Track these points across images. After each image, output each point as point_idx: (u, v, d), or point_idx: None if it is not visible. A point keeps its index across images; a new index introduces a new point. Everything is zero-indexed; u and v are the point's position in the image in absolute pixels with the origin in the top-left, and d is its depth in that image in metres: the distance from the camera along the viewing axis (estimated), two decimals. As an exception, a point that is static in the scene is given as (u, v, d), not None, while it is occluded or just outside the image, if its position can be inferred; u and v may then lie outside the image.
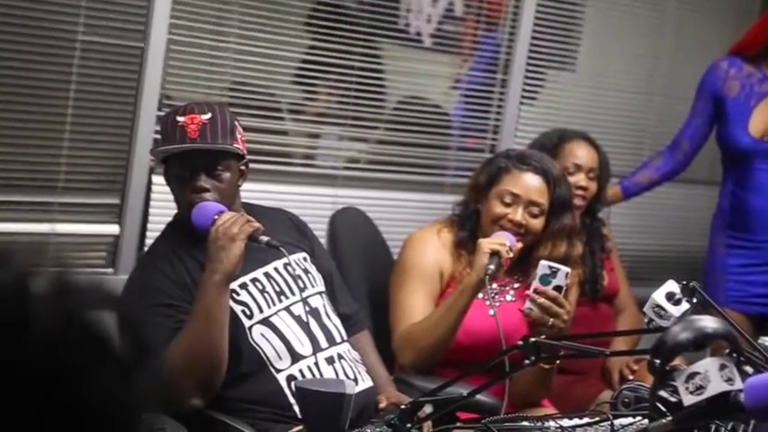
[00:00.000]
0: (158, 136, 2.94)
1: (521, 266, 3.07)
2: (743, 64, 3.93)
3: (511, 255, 2.90)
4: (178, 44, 3.45)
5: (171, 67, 3.45)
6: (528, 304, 2.84)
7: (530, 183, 3.09)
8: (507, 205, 3.08)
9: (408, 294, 3.09)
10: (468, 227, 3.15)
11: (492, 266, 2.85)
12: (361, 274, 3.29)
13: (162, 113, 3.24)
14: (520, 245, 2.98)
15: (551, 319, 2.81)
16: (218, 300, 2.49)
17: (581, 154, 3.61)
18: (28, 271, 0.92)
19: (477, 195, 3.16)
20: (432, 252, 3.14)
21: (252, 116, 3.60)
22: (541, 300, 2.81)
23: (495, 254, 2.87)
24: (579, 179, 3.55)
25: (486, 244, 2.90)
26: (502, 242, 2.91)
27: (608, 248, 3.75)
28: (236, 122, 2.71)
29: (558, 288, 2.82)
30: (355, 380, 2.65)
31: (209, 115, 2.64)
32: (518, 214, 3.06)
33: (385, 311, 3.14)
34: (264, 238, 2.55)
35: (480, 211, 3.14)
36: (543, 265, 2.84)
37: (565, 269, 2.82)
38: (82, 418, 0.89)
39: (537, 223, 3.08)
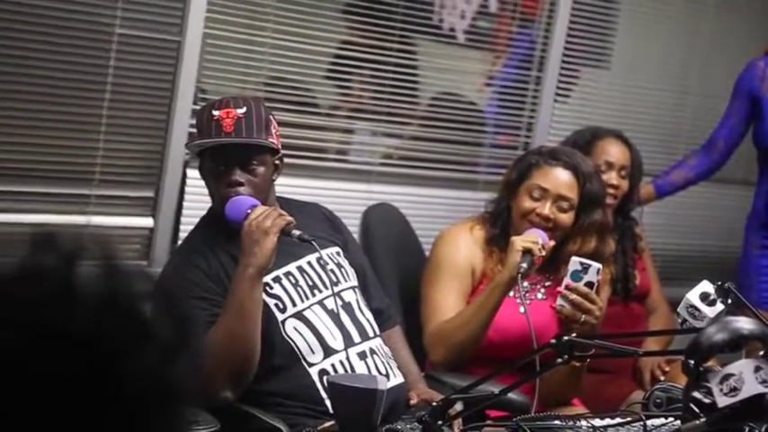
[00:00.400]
0: (194, 130, 2.95)
1: (551, 264, 3.06)
2: (780, 64, 3.90)
3: (543, 253, 2.90)
4: (214, 38, 3.47)
5: (207, 61, 3.47)
6: (560, 301, 2.83)
7: (559, 177, 3.09)
8: (536, 200, 3.08)
9: (440, 291, 3.09)
10: (499, 224, 3.15)
11: (524, 265, 2.85)
12: (393, 270, 3.29)
13: (197, 107, 3.26)
14: (552, 243, 2.97)
15: (583, 316, 2.80)
16: (251, 293, 2.50)
17: (613, 152, 3.60)
18: (75, 253, 0.94)
19: (508, 192, 3.16)
20: (464, 249, 3.14)
21: (287, 111, 3.61)
22: (573, 296, 2.80)
23: (527, 252, 2.87)
24: (611, 177, 3.54)
25: (519, 242, 2.90)
26: (534, 240, 2.90)
27: (640, 248, 3.73)
28: (271, 117, 2.72)
29: (589, 284, 2.81)
30: (387, 375, 2.65)
31: (244, 109, 2.65)
32: (546, 208, 3.05)
33: (416, 307, 3.15)
34: (297, 232, 2.56)
35: (512, 208, 3.14)
36: (574, 262, 2.83)
37: (596, 265, 2.81)
38: (121, 398, 0.91)
39: (566, 218, 3.07)
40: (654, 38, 4.59)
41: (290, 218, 2.55)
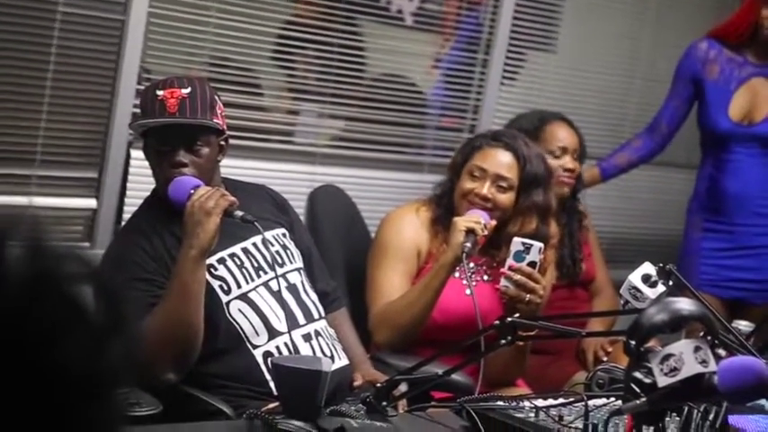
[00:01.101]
0: (137, 110, 2.92)
1: (494, 246, 3.08)
2: (722, 47, 3.94)
3: (486, 232, 2.92)
4: (159, 17, 3.44)
5: (151, 41, 3.43)
6: (504, 282, 2.85)
7: (498, 158, 3.11)
8: (476, 180, 3.10)
9: (385, 272, 3.10)
10: (444, 204, 3.17)
11: (468, 244, 2.87)
12: (338, 252, 3.29)
13: (141, 87, 3.23)
14: (494, 222, 2.99)
15: (528, 295, 2.82)
16: (193, 274, 2.48)
17: (563, 136, 3.62)
18: (5, 234, 0.92)
19: (453, 174, 3.19)
20: (409, 230, 3.15)
21: (232, 92, 3.59)
22: (517, 276, 2.83)
23: (470, 232, 2.89)
24: (566, 161, 3.55)
25: (461, 222, 2.92)
26: (477, 220, 2.93)
27: (585, 226, 3.74)
28: (216, 97, 2.69)
29: (532, 264, 2.83)
30: (332, 357, 2.65)
31: (188, 90, 2.62)
32: (485, 188, 3.08)
33: (362, 289, 3.15)
34: (239, 213, 2.54)
35: (455, 189, 3.16)
36: (516, 242, 2.85)
37: (538, 244, 2.84)
38: (53, 381, 0.89)
39: (505, 198, 3.09)
40: (600, 22, 4.61)
41: (232, 198, 2.53)
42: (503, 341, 2.12)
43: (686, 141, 4.28)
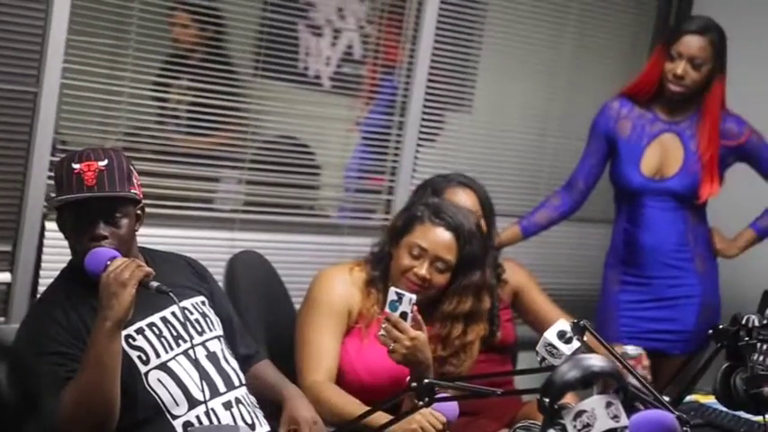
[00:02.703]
0: (52, 182, 2.90)
1: (428, 321, 3.06)
2: (633, 105, 4.04)
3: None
4: (72, 89, 3.43)
5: (65, 112, 3.42)
6: (381, 330, 2.86)
7: (439, 238, 3.13)
8: (415, 258, 3.12)
9: (316, 331, 3.10)
10: (380, 267, 3.18)
11: None
12: (259, 318, 3.28)
13: (56, 159, 3.21)
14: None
15: (392, 344, 2.81)
16: (108, 347, 2.46)
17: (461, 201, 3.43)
18: None
19: (391, 239, 3.20)
20: (341, 288, 3.16)
21: (147, 160, 3.58)
22: (385, 324, 2.83)
23: None
24: None
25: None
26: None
27: (503, 280, 3.69)
28: (132, 167, 2.69)
29: (403, 314, 2.83)
30: (252, 425, 2.64)
31: (105, 162, 2.61)
32: (423, 269, 3.10)
33: (283, 353, 3.14)
34: (155, 284, 2.53)
35: (392, 255, 3.17)
36: (391, 292, 2.86)
37: (409, 295, 2.84)
38: None
39: (442, 279, 3.13)
40: (514, 81, 4.69)
41: (148, 269, 2.52)
42: (420, 402, 2.12)
43: (602, 197, 4.35)
